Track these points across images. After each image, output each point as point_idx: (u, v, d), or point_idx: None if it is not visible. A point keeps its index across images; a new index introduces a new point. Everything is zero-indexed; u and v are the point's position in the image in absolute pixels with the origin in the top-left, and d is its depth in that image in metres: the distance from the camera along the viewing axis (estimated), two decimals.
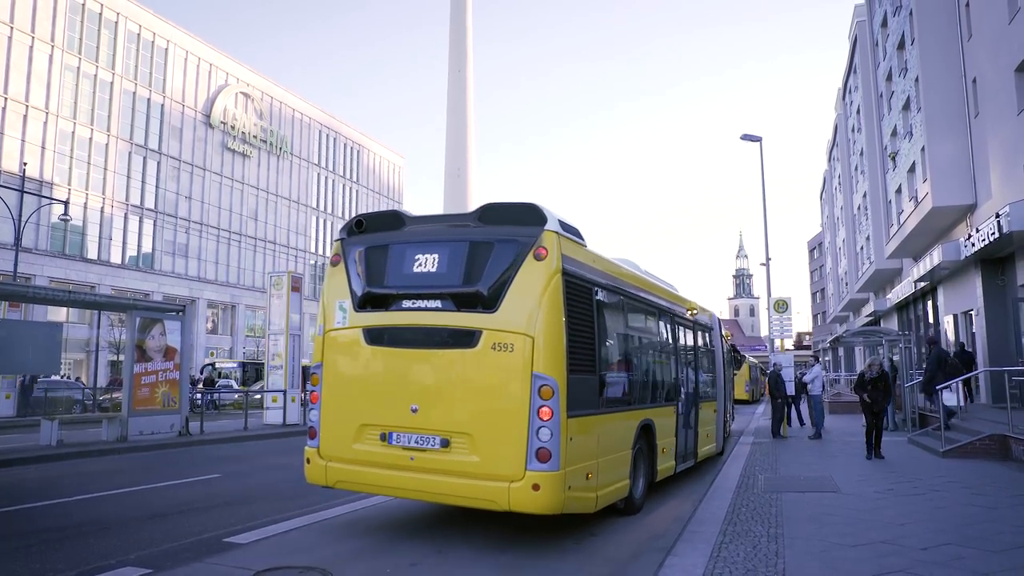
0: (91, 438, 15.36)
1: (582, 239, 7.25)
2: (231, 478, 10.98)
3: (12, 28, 42.55)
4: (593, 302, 7.20)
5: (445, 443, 6.36)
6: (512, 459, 6.08)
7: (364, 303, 6.99)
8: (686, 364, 11.17)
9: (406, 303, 6.76)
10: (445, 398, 6.47)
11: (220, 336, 60.11)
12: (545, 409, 6.08)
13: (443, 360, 6.56)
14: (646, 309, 9.37)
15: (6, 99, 41.96)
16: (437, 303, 6.62)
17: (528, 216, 6.60)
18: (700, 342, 12.53)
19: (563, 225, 6.79)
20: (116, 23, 49.89)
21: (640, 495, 8.29)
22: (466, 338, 6.43)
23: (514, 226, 6.61)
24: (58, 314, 41.42)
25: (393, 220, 7.24)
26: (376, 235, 7.22)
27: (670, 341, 10.38)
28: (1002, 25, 18.42)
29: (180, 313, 17.02)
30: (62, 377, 30.45)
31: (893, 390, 15.72)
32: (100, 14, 48.76)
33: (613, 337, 7.98)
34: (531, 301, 6.27)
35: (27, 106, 43.29)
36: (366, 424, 6.78)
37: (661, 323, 10.05)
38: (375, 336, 6.91)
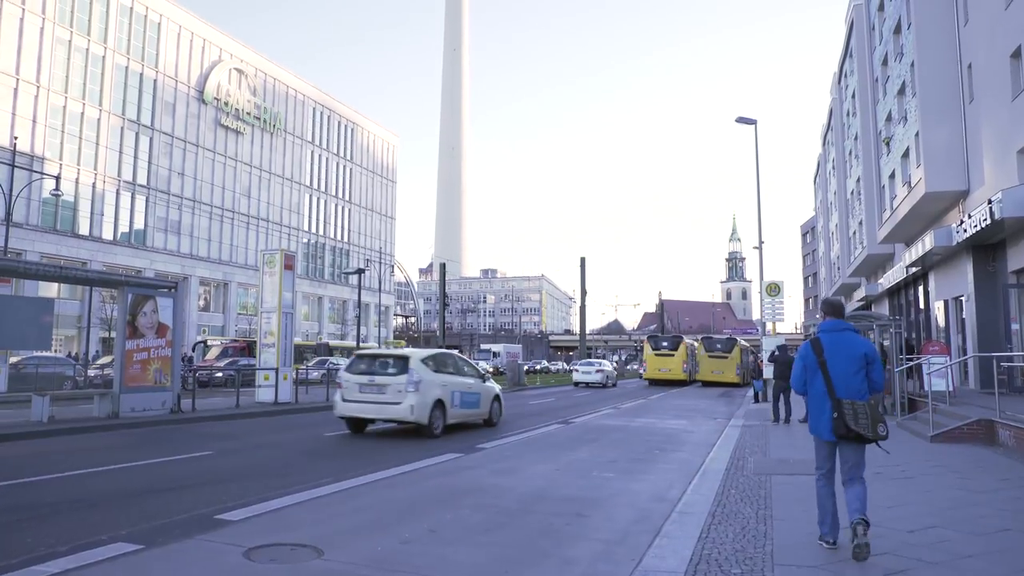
0: (82, 414, 15.34)
1: None
2: (223, 455, 11.01)
3: (2, 0, 41.95)
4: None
5: (719, 372, 42.04)
6: (734, 378, 41.43)
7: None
8: None
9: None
10: (721, 367, 42.05)
11: (212, 313, 60.03)
12: (739, 372, 42.12)
13: (720, 359, 42.15)
14: None
15: None
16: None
17: (730, 342, 43.90)
18: None
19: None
20: None
21: None
22: (725, 356, 42.57)
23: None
24: (49, 290, 41.29)
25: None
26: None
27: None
28: (998, 10, 18.36)
29: (172, 290, 16.96)
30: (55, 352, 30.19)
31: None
32: None
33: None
34: (736, 352, 42.39)
35: (17, 79, 42.83)
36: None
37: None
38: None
